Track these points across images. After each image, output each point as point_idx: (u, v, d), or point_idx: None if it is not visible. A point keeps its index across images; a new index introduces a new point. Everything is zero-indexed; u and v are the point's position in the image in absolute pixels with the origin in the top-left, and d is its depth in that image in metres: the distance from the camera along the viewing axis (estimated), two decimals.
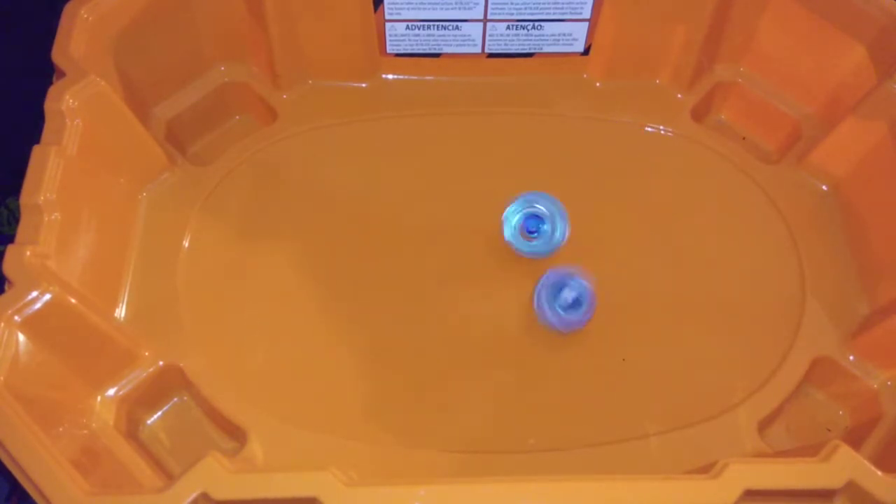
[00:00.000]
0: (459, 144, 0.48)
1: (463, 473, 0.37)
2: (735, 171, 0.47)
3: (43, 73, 0.41)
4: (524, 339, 0.41)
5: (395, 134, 0.48)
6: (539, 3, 0.47)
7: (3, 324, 0.33)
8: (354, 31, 0.47)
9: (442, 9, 0.47)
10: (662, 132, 0.48)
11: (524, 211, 0.42)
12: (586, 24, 0.48)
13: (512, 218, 0.42)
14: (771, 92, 0.48)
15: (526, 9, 0.47)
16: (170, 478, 0.33)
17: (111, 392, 0.37)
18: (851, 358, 0.39)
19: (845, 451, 0.29)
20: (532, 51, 0.49)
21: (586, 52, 0.49)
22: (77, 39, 0.41)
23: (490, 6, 0.47)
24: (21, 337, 0.33)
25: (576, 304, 0.40)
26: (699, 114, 0.49)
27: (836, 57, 0.45)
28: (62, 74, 0.40)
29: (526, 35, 0.48)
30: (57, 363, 0.35)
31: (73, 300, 0.35)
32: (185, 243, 0.43)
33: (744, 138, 0.50)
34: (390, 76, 0.50)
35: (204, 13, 0.46)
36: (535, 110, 0.49)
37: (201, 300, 0.41)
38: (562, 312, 0.40)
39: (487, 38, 0.48)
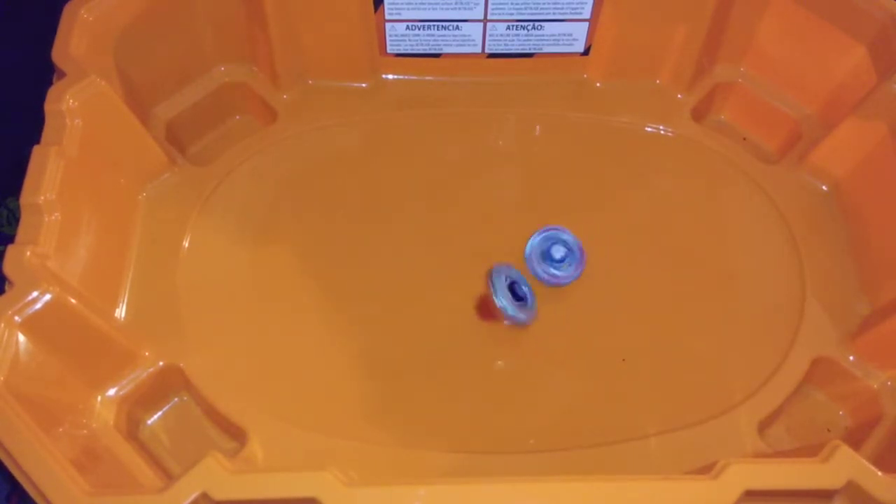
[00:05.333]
0: (459, 145, 0.48)
1: (463, 473, 0.37)
2: (735, 171, 0.47)
3: (43, 73, 0.41)
4: (525, 338, 0.41)
5: (395, 134, 0.48)
6: (539, 4, 0.47)
7: (3, 324, 0.33)
8: (354, 31, 0.47)
9: (442, 9, 0.47)
10: (662, 132, 0.48)
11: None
12: (586, 24, 0.48)
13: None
14: (771, 92, 0.48)
15: (526, 9, 0.47)
16: (170, 478, 0.33)
17: (111, 392, 0.37)
18: (851, 358, 0.39)
19: (845, 451, 0.29)
20: (532, 51, 0.49)
21: (586, 52, 0.49)
22: (77, 39, 0.41)
23: (490, 6, 0.47)
24: (21, 337, 0.33)
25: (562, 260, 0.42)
26: (699, 114, 0.49)
27: (836, 57, 0.45)
28: (62, 74, 0.40)
29: (526, 35, 0.48)
30: (57, 363, 0.35)
31: (73, 300, 0.35)
32: (185, 243, 0.43)
33: (744, 138, 0.49)
34: (390, 76, 0.50)
35: (204, 13, 0.46)
36: (535, 110, 0.49)
37: (201, 300, 0.41)
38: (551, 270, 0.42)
39: (487, 38, 0.48)
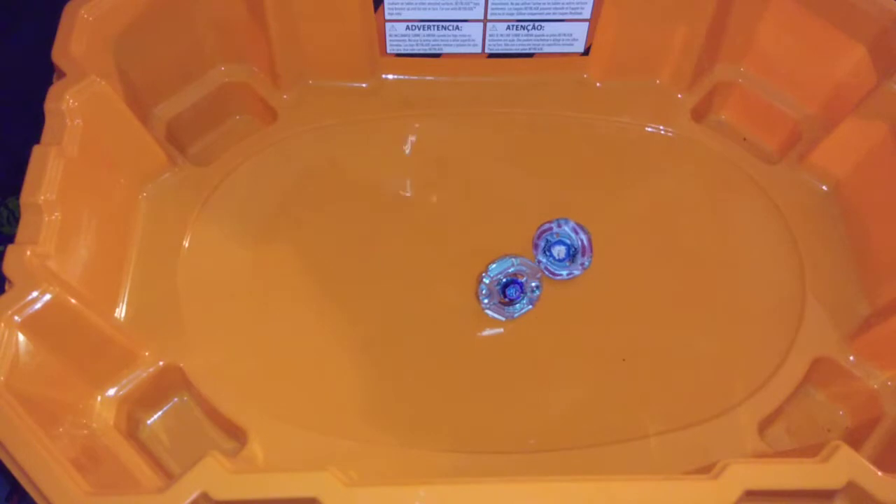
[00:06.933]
0: (459, 145, 0.48)
1: (463, 473, 0.37)
2: (735, 171, 0.47)
3: (43, 73, 0.41)
4: (524, 339, 0.41)
5: (395, 134, 0.48)
6: (539, 4, 0.47)
7: (3, 324, 0.33)
8: (354, 31, 0.47)
9: (442, 9, 0.47)
10: (662, 132, 0.48)
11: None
12: (586, 24, 0.48)
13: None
14: (771, 92, 0.48)
15: (526, 9, 0.47)
16: (170, 478, 0.33)
17: (111, 392, 0.37)
18: (851, 358, 0.39)
19: (845, 451, 0.29)
20: (532, 51, 0.49)
21: (586, 52, 0.49)
22: (77, 39, 0.41)
23: (490, 6, 0.47)
24: (21, 337, 0.33)
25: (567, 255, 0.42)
26: (699, 114, 0.49)
27: (836, 57, 0.45)
28: (62, 74, 0.40)
29: (526, 35, 0.48)
30: (57, 363, 0.35)
31: (73, 300, 0.35)
32: (185, 243, 0.43)
33: (744, 138, 0.49)
34: (390, 76, 0.50)
35: (204, 13, 0.46)
36: (535, 110, 0.49)
37: (201, 300, 0.41)
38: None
39: (487, 38, 0.48)
